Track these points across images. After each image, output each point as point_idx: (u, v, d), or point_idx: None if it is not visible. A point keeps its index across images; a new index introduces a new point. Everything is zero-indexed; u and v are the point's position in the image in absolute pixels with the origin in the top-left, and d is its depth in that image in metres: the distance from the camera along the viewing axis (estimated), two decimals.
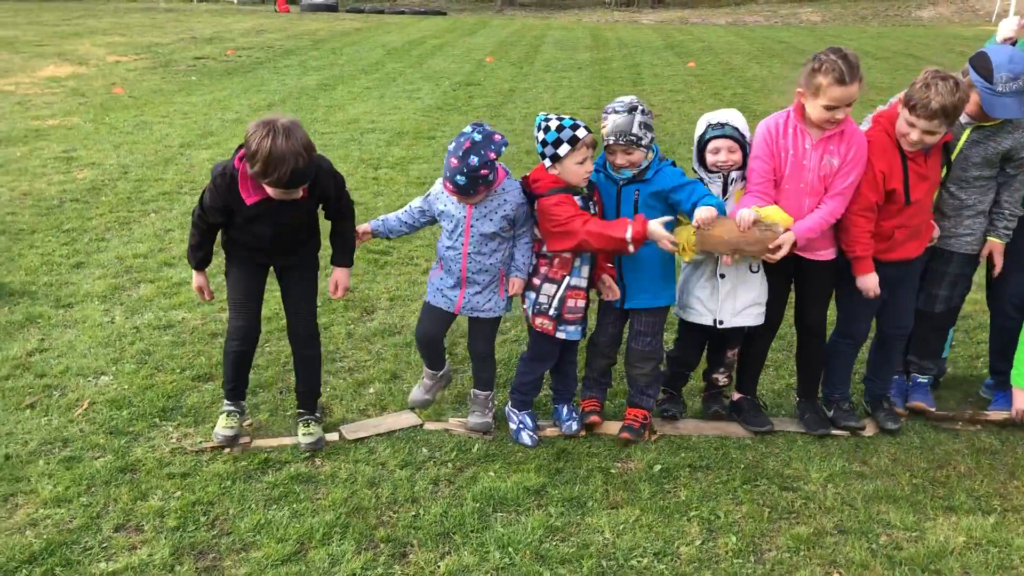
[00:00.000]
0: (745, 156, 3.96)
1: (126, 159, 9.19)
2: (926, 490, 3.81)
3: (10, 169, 8.64)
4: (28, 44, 18.78)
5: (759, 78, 16.12)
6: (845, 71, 3.65)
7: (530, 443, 4.07)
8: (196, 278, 3.96)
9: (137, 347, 4.93)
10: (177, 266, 6.09)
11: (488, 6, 39.69)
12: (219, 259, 3.99)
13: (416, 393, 4.27)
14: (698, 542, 3.43)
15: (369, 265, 6.28)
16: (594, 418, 4.22)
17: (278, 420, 4.23)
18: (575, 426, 4.16)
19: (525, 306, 4.01)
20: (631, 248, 3.69)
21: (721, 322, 4.06)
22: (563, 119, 3.77)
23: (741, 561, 3.34)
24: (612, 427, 4.23)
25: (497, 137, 3.72)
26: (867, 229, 3.94)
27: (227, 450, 3.93)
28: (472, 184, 3.71)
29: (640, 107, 3.81)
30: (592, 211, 3.88)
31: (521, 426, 4.14)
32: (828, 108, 3.72)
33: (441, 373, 4.27)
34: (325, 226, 4.02)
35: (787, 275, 4.15)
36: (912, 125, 3.78)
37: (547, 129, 3.77)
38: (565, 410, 4.23)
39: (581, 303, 3.98)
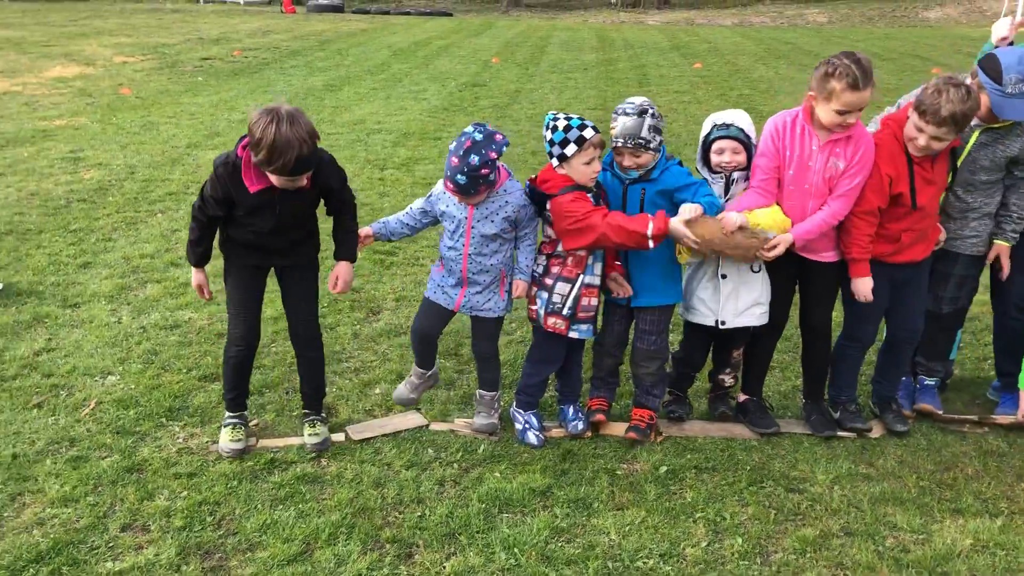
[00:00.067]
0: (749, 158, 3.96)
1: (133, 159, 9.22)
2: (933, 492, 3.80)
3: (18, 169, 8.67)
4: (35, 45, 18.85)
5: (765, 79, 16.10)
6: (859, 76, 3.63)
7: (536, 443, 4.07)
8: (195, 275, 3.93)
9: (144, 347, 4.95)
10: (183, 266, 6.10)
11: (494, 7, 39.71)
12: (218, 262, 3.98)
13: (401, 390, 4.26)
14: (704, 544, 3.43)
15: (375, 266, 6.29)
16: (599, 416, 4.22)
17: (284, 420, 4.24)
18: (581, 426, 4.16)
19: (535, 307, 3.99)
20: (651, 244, 3.68)
21: (723, 323, 4.05)
22: (571, 119, 3.77)
23: (747, 563, 3.33)
24: (618, 428, 4.23)
25: (498, 137, 3.72)
26: (867, 232, 3.93)
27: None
28: (472, 184, 3.70)
29: (651, 110, 3.81)
30: (608, 207, 3.87)
31: (527, 426, 4.13)
32: (840, 113, 3.71)
33: (430, 373, 4.25)
34: (324, 228, 4.00)
35: (791, 276, 4.15)
36: (920, 130, 3.76)
37: (555, 129, 3.77)
38: (571, 410, 4.23)
39: (594, 301, 3.97)
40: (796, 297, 4.29)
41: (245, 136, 3.53)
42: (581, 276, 3.90)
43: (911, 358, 4.48)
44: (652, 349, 4.10)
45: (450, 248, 3.95)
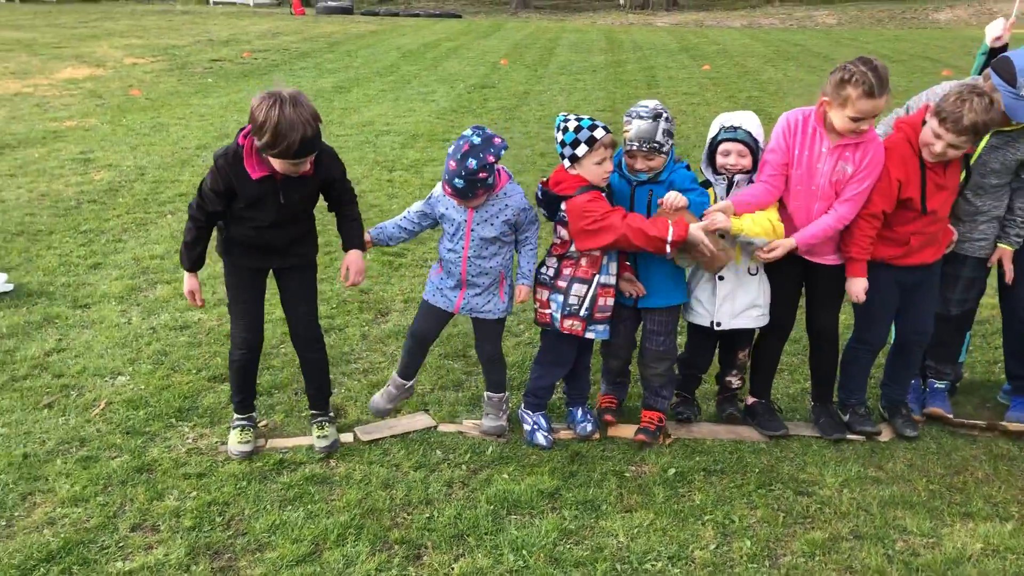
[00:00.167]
0: (755, 162, 3.95)
1: (143, 160, 9.25)
2: (943, 496, 3.78)
3: (28, 170, 8.72)
4: (46, 46, 18.96)
5: (774, 81, 16.06)
6: (875, 84, 3.60)
7: (545, 444, 4.07)
8: (188, 281, 3.84)
9: (154, 348, 4.96)
10: None
11: (503, 9, 39.74)
12: (213, 267, 3.97)
13: (378, 401, 4.20)
14: (712, 546, 3.42)
15: (383, 267, 6.30)
16: (608, 417, 4.23)
17: (293, 421, 4.25)
18: (590, 427, 4.16)
19: (548, 311, 3.98)
20: (668, 249, 3.68)
21: (719, 324, 4.05)
22: (581, 119, 3.77)
23: (756, 566, 3.33)
24: (627, 430, 4.22)
25: (497, 140, 3.71)
26: (868, 234, 3.92)
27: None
28: (470, 187, 3.70)
29: (664, 114, 3.81)
30: None
31: (535, 427, 4.14)
32: (854, 120, 3.69)
33: (409, 385, 4.23)
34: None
35: (796, 279, 4.14)
36: (939, 137, 3.73)
37: (565, 130, 3.77)
38: (580, 412, 4.23)
39: (610, 301, 3.95)
40: (803, 300, 4.28)
41: (244, 127, 3.52)
42: (597, 276, 3.90)
43: (921, 361, 4.46)
44: (661, 350, 4.10)
45: (449, 250, 3.95)
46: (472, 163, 3.63)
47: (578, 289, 3.89)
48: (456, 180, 3.67)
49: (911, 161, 3.87)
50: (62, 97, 13.01)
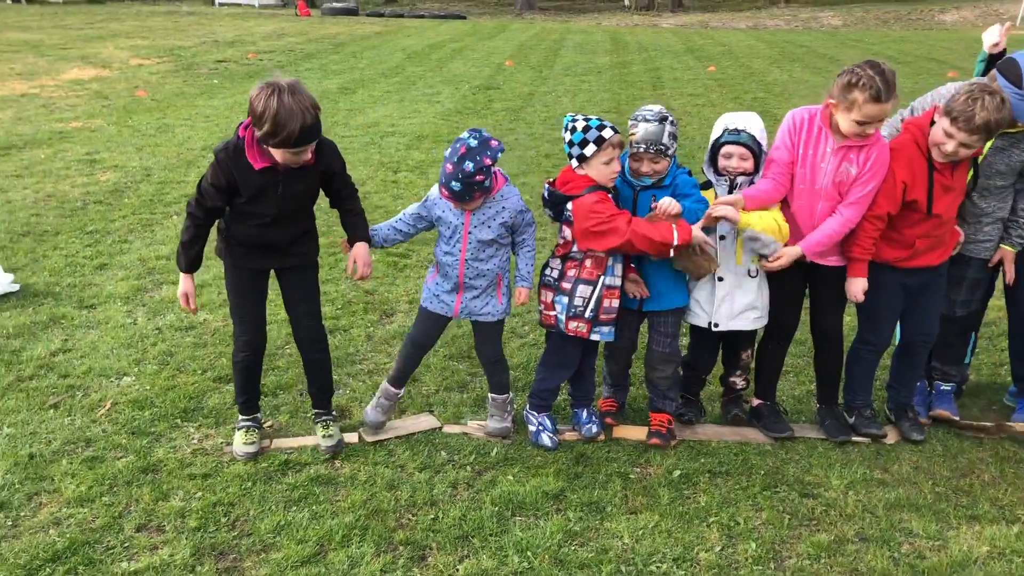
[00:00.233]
0: (757, 165, 3.94)
1: (148, 161, 9.28)
2: (949, 499, 3.77)
3: (34, 171, 8.74)
4: (53, 47, 19.01)
5: (780, 82, 16.05)
6: (882, 89, 3.59)
7: (550, 444, 4.07)
8: (183, 282, 3.78)
9: (159, 348, 4.97)
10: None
11: (508, 10, 39.76)
12: (218, 268, 3.97)
13: (372, 414, 4.15)
14: (718, 548, 3.42)
15: (388, 268, 6.30)
16: (609, 420, 4.24)
17: (298, 422, 4.25)
18: (595, 429, 4.16)
19: (553, 312, 3.97)
20: (672, 253, 3.70)
21: (716, 324, 4.05)
22: (590, 120, 3.77)
23: (761, 568, 3.32)
24: (631, 431, 4.22)
25: (493, 143, 3.71)
26: (871, 235, 3.91)
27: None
28: (467, 190, 3.70)
29: (670, 117, 3.83)
30: None
31: (541, 427, 4.13)
32: (859, 123, 3.68)
33: (400, 394, 4.22)
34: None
35: (800, 280, 4.13)
36: (950, 136, 3.71)
37: (573, 130, 3.77)
38: (584, 413, 4.22)
39: (615, 303, 3.94)
40: (807, 301, 4.27)
41: (243, 121, 3.51)
42: (602, 277, 3.89)
43: (926, 363, 4.45)
44: (667, 352, 4.09)
45: (446, 253, 3.94)
46: (469, 166, 3.63)
47: (583, 290, 3.89)
48: (453, 183, 3.68)
49: (918, 163, 3.85)
50: (68, 98, 13.05)
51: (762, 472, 3.93)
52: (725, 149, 3.93)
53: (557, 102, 13.54)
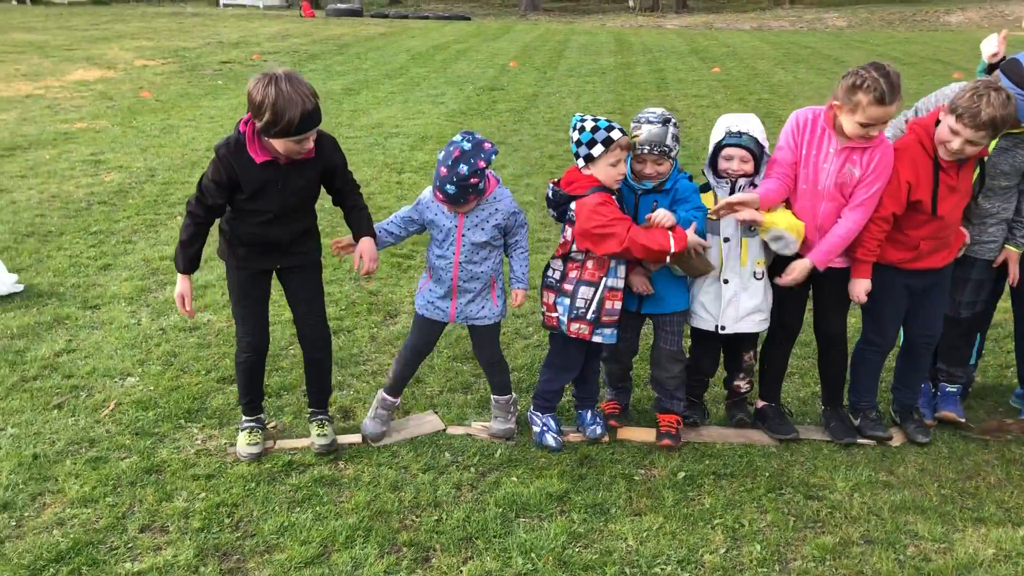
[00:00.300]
0: (757, 167, 3.93)
1: (153, 162, 9.29)
2: (955, 501, 3.76)
3: (39, 172, 8.76)
4: (58, 48, 19.06)
5: (784, 83, 16.03)
6: (886, 91, 3.58)
7: (555, 445, 4.06)
8: (181, 283, 3.75)
9: (163, 349, 4.97)
10: (202, 268, 6.12)
11: (512, 11, 39.77)
12: (221, 269, 3.96)
13: (372, 425, 4.13)
14: (722, 550, 3.41)
15: (392, 269, 6.30)
16: (612, 422, 4.23)
17: (302, 423, 4.24)
18: (599, 430, 4.15)
19: (555, 314, 3.96)
20: (668, 260, 3.72)
21: (723, 327, 4.04)
22: (599, 120, 3.77)
23: (766, 570, 3.31)
24: (636, 433, 4.22)
25: (487, 145, 3.71)
26: (876, 237, 3.90)
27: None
28: (462, 193, 3.70)
29: (672, 119, 3.84)
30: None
31: (545, 428, 4.13)
32: (863, 125, 3.68)
33: (397, 403, 4.22)
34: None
35: (804, 282, 4.11)
36: (956, 133, 3.70)
37: (582, 130, 3.76)
38: (589, 415, 4.21)
39: (618, 305, 3.93)
40: (811, 302, 4.26)
41: (243, 117, 3.51)
42: (604, 279, 3.88)
43: (931, 364, 4.44)
44: (674, 350, 4.09)
45: (439, 257, 3.93)
46: (464, 169, 3.63)
47: (585, 292, 3.88)
48: (448, 186, 3.68)
49: (922, 163, 3.84)
50: (73, 99, 13.07)
51: (767, 474, 3.92)
52: (726, 151, 3.93)
53: (561, 103, 13.54)
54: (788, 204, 3.96)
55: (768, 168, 3.93)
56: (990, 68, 4.48)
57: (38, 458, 3.87)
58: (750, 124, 3.94)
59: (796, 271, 3.89)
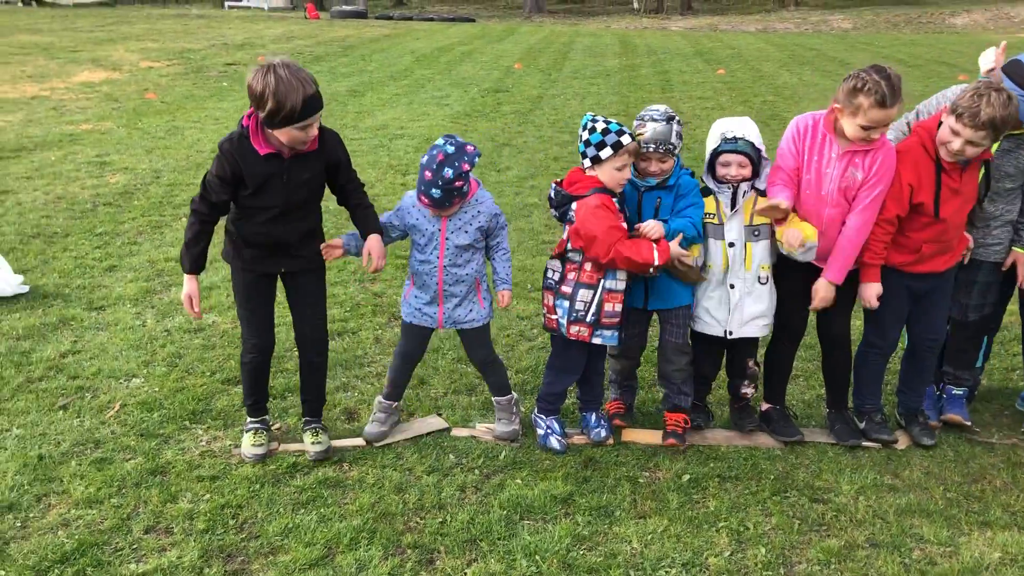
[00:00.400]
0: (755, 170, 3.93)
1: (158, 164, 9.30)
2: (960, 504, 3.74)
3: (45, 173, 8.78)
4: (63, 50, 19.10)
5: (789, 85, 16.01)
6: (887, 94, 3.57)
7: (559, 448, 4.06)
8: (188, 284, 3.73)
9: (168, 350, 4.98)
10: (207, 270, 6.12)
11: (516, 13, 39.80)
12: (227, 270, 3.95)
13: (372, 428, 4.12)
14: (727, 553, 3.40)
15: (396, 271, 6.29)
16: (617, 421, 4.23)
17: None
18: (604, 433, 4.14)
19: (555, 316, 3.96)
20: (652, 272, 3.75)
21: (730, 332, 4.04)
22: (610, 123, 3.76)
23: (771, 573, 3.30)
24: (641, 435, 4.21)
25: (470, 148, 3.72)
26: (882, 240, 3.89)
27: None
28: (447, 196, 3.71)
29: (676, 117, 3.86)
30: (626, 215, 3.88)
31: (549, 431, 4.12)
32: (865, 128, 3.67)
33: (397, 405, 4.21)
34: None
35: (807, 284, 4.11)
36: (956, 134, 3.69)
37: (592, 130, 3.76)
38: (593, 417, 4.21)
39: (618, 307, 3.92)
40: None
41: (245, 112, 3.52)
42: (602, 281, 3.88)
43: (936, 367, 4.43)
44: (680, 342, 4.10)
45: (422, 262, 3.93)
46: (448, 172, 3.64)
47: (584, 294, 3.88)
48: (433, 190, 3.68)
49: (924, 165, 3.83)
50: (78, 100, 13.11)
51: (772, 477, 3.91)
52: (723, 158, 3.92)
53: (566, 105, 13.54)
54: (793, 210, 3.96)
55: (772, 175, 3.93)
56: None
57: (43, 459, 3.88)
58: (745, 128, 3.92)
59: (820, 294, 3.93)
